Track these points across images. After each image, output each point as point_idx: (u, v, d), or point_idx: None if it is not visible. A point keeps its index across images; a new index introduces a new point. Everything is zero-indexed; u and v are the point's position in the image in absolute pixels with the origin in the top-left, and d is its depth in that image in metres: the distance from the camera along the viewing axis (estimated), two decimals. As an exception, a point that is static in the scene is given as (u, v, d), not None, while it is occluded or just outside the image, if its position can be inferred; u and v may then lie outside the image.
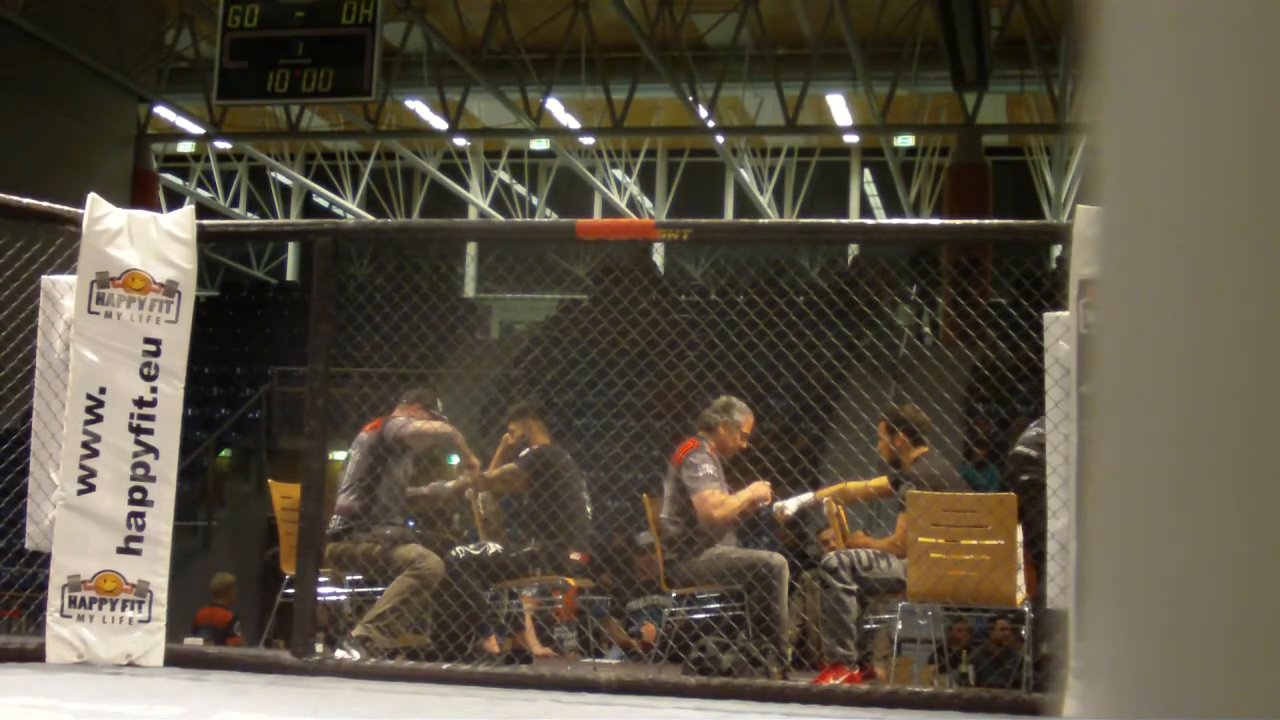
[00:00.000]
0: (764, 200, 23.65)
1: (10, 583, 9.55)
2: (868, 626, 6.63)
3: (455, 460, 8.09)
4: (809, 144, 24.36)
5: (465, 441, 7.19)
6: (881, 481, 6.90)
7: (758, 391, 9.92)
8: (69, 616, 5.43)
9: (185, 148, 24.87)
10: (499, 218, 24.10)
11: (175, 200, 23.12)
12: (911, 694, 5.34)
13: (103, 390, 5.52)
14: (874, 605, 6.53)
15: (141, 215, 5.82)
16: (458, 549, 6.92)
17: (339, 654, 6.29)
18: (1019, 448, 6.25)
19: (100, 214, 5.68)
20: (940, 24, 15.28)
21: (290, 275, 27.69)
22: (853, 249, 21.90)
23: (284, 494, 7.15)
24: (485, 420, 10.78)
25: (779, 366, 8.39)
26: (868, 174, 25.44)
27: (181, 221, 5.80)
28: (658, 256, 23.09)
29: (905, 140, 22.69)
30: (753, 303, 11.77)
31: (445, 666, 5.64)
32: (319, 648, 6.19)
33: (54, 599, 5.44)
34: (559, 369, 10.11)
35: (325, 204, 25.54)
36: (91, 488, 5.47)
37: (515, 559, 6.93)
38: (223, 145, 23.17)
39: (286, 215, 26.35)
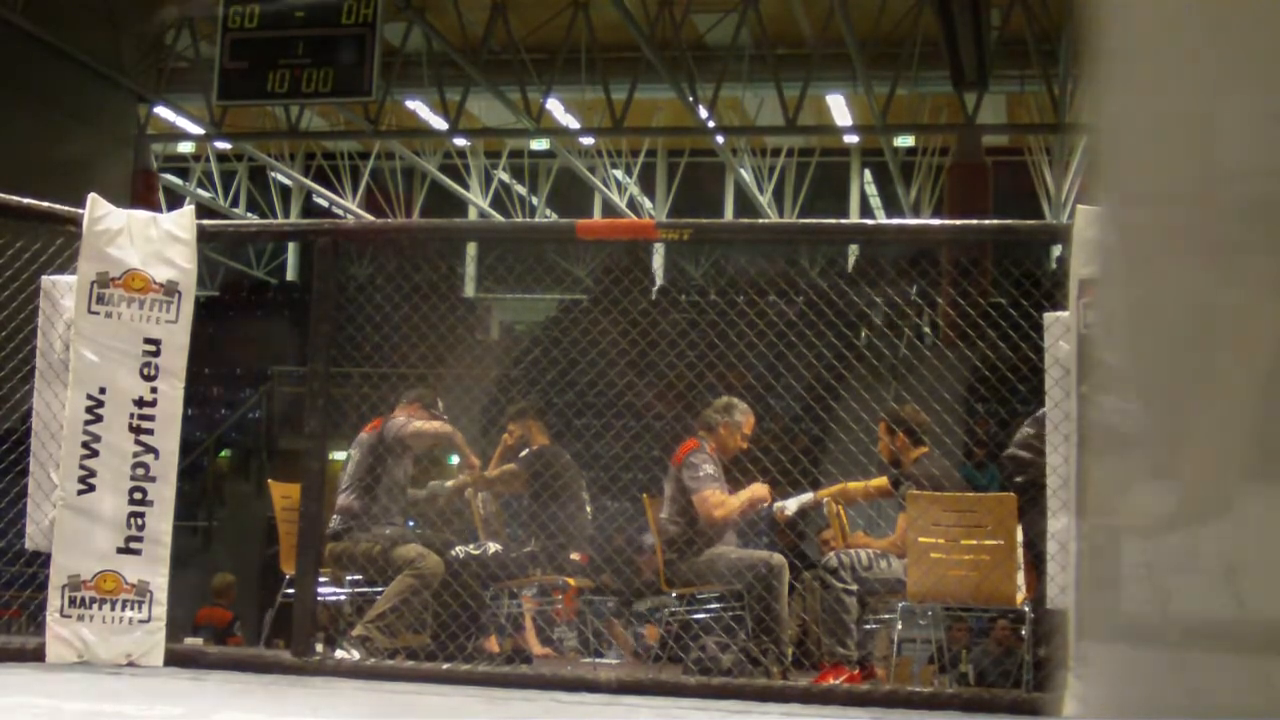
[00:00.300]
0: (764, 200, 23.65)
1: (10, 583, 9.53)
2: (868, 626, 6.63)
3: (455, 460, 8.09)
4: (809, 144, 24.35)
5: (465, 441, 7.19)
6: (882, 482, 6.91)
7: (758, 391, 9.92)
8: (69, 616, 5.43)
9: (185, 148, 24.88)
10: (499, 218, 24.09)
11: (175, 200, 23.12)
12: (911, 694, 5.34)
13: (103, 390, 5.52)
14: (874, 605, 6.54)
15: (141, 215, 5.82)
16: (458, 549, 6.92)
17: (339, 654, 6.29)
18: (1011, 450, 6.26)
19: (100, 214, 5.68)
20: (940, 24, 15.27)
21: (290, 275, 27.69)
22: (853, 249, 21.89)
23: (284, 494, 7.14)
24: (485, 420, 10.78)
25: (779, 366, 8.38)
26: (868, 174, 25.44)
27: (181, 222, 5.80)
28: (658, 257, 23.08)
29: (905, 140, 22.68)
30: (753, 303, 11.77)
31: (445, 666, 5.63)
32: (319, 648, 6.19)
33: (54, 599, 5.44)
34: (559, 369, 10.10)
35: (325, 204, 25.54)
36: (91, 488, 5.47)
37: (515, 559, 6.93)
38: (223, 145, 23.17)
39: (286, 215, 26.36)
